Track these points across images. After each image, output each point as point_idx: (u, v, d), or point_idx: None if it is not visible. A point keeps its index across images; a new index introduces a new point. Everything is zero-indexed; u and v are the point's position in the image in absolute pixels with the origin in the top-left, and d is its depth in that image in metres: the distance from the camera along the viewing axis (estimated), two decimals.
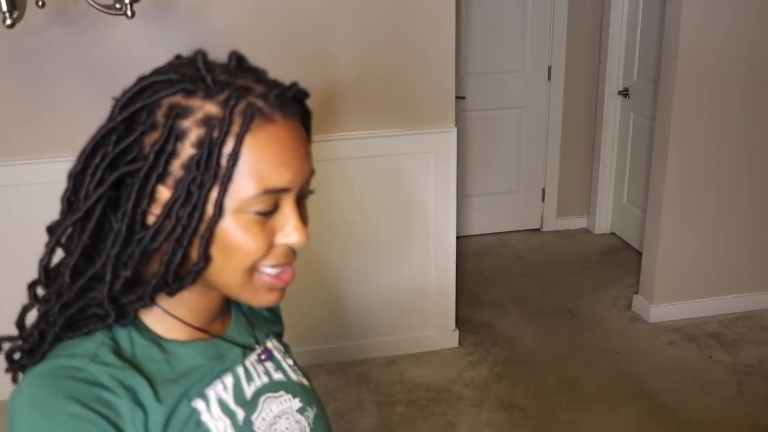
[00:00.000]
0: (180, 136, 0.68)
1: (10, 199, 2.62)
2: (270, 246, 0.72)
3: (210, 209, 0.69)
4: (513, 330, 3.31)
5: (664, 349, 3.13)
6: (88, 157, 0.70)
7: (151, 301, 0.73)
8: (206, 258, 0.71)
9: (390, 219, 2.91)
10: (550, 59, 4.10)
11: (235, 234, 0.70)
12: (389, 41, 2.71)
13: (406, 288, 3.02)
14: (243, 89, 0.69)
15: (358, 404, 2.77)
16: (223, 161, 0.67)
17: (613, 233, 4.33)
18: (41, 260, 0.72)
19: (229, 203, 0.69)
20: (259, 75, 0.73)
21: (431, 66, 2.77)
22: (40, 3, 2.10)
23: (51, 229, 0.72)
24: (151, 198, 0.69)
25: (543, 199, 4.37)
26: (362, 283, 2.98)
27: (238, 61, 0.73)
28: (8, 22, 1.96)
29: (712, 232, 3.26)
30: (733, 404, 2.74)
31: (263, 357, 0.85)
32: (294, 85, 0.74)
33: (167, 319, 0.77)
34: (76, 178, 0.70)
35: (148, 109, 0.69)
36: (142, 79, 0.70)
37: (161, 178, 0.69)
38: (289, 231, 0.73)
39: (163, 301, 0.76)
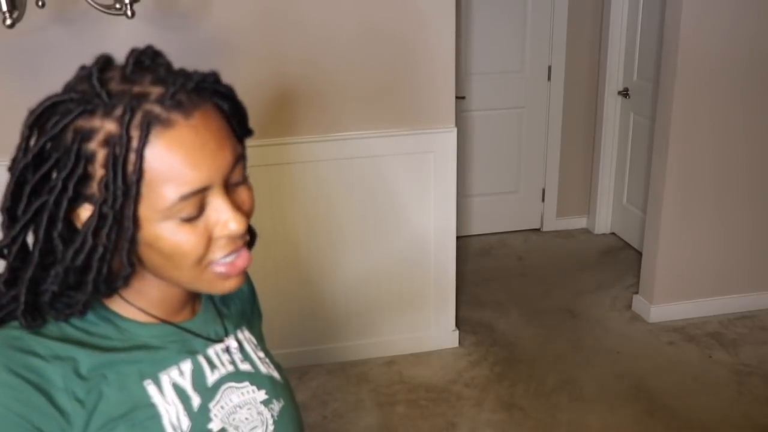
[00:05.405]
0: (89, 158, 0.68)
1: None
2: (209, 241, 0.72)
3: (126, 224, 0.69)
4: (513, 330, 3.31)
5: (664, 349, 3.13)
6: (13, 193, 0.70)
7: (83, 309, 0.73)
8: (131, 264, 0.72)
9: (390, 219, 2.91)
10: (550, 59, 4.10)
11: (168, 240, 0.71)
12: (389, 41, 2.71)
13: (406, 288, 3.02)
14: (138, 97, 0.68)
15: (358, 404, 2.77)
16: (129, 178, 0.68)
17: (613, 233, 4.33)
18: None
19: (151, 214, 0.69)
20: (157, 73, 0.71)
21: (431, 66, 2.77)
22: (40, 3, 2.09)
23: None
24: (70, 220, 0.71)
25: (543, 199, 4.37)
26: (362, 283, 2.98)
27: (135, 61, 0.71)
28: (8, 22, 1.96)
29: (712, 232, 3.26)
30: (733, 404, 2.74)
31: (231, 349, 0.86)
32: (194, 75, 0.72)
33: (127, 305, 0.79)
34: (8, 212, 0.70)
35: (57, 139, 0.69)
36: (42, 103, 0.69)
37: (77, 201, 0.70)
38: (223, 223, 0.72)
39: (122, 290, 0.78)
